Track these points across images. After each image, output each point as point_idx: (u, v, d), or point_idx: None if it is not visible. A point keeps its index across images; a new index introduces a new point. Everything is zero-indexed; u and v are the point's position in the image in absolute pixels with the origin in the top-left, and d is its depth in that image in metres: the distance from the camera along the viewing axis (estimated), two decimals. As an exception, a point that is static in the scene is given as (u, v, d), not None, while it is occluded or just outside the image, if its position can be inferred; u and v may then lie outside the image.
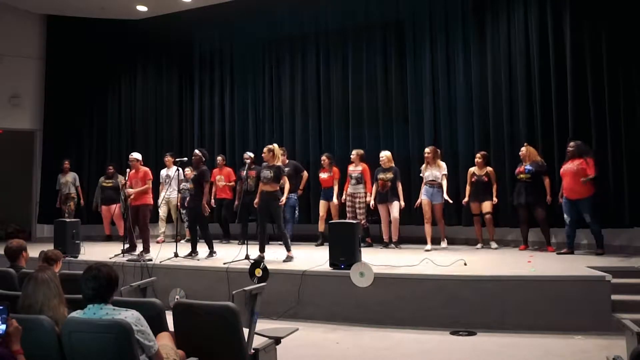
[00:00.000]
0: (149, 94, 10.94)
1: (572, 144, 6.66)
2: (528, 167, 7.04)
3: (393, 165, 7.88)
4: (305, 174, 8.66)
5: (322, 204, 8.45)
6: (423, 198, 7.56)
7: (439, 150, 7.76)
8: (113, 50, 10.82)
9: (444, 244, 7.66)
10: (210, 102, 10.54)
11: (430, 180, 7.56)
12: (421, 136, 8.60)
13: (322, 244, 8.15)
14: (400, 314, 5.30)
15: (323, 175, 8.45)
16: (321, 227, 8.37)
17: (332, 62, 9.45)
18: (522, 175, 7.13)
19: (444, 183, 7.53)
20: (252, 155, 8.27)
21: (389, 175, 7.72)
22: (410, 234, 8.16)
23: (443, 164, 7.61)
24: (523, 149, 7.23)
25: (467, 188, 7.69)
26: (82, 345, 2.55)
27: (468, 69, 8.31)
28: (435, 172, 7.52)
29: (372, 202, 7.77)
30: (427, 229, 7.58)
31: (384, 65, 9.00)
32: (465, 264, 5.89)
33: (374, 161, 8.05)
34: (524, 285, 5.16)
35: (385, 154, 7.89)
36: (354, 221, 6.45)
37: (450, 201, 7.55)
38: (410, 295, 5.34)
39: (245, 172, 8.21)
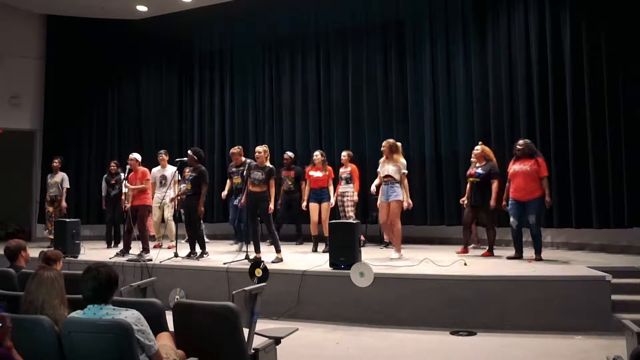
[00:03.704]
0: (149, 94, 10.95)
1: (521, 142, 6.35)
2: (479, 171, 6.72)
3: None
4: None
5: (313, 206, 7.76)
6: (381, 200, 6.68)
7: (398, 144, 6.80)
8: (113, 50, 10.83)
9: (395, 254, 6.55)
10: (210, 102, 10.55)
11: (384, 177, 6.64)
12: (421, 136, 8.62)
13: (317, 250, 7.62)
14: (400, 314, 5.30)
15: (315, 174, 7.77)
16: (314, 231, 7.75)
17: (332, 62, 9.46)
18: (472, 179, 6.80)
19: (405, 183, 6.62)
20: (292, 155, 8.32)
21: None
22: (410, 234, 8.16)
23: (403, 161, 6.66)
24: (478, 148, 6.87)
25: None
26: (82, 345, 2.55)
27: (468, 69, 8.31)
28: (392, 167, 6.58)
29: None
30: (389, 232, 6.83)
31: (384, 65, 9.00)
32: (465, 264, 5.89)
33: (375, 161, 8.01)
34: (524, 285, 5.16)
35: None
36: (354, 221, 6.42)
37: (407, 204, 6.67)
38: (410, 295, 5.34)
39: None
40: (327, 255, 5.96)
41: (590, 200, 6.90)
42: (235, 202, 7.51)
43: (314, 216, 7.75)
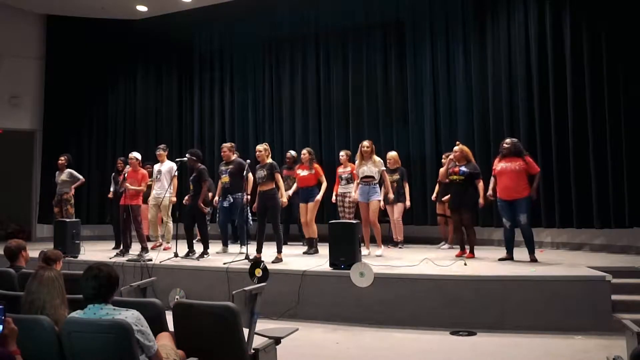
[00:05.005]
0: (149, 94, 10.97)
1: (508, 140, 6.26)
2: (463, 168, 6.53)
3: (399, 165, 7.87)
4: (250, 175, 7.37)
5: (302, 206, 7.47)
6: (359, 200, 6.87)
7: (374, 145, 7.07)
8: (113, 50, 10.84)
9: (378, 251, 6.83)
10: (210, 102, 10.57)
11: (365, 177, 6.79)
12: (421, 136, 8.63)
13: (311, 252, 7.28)
14: (400, 314, 5.30)
15: (302, 173, 7.53)
16: (306, 232, 7.53)
17: (332, 62, 9.48)
18: (454, 177, 6.58)
19: (387, 178, 6.95)
20: (294, 154, 8.23)
21: (395, 176, 7.68)
22: (410, 234, 8.16)
23: (380, 160, 6.93)
24: (456, 148, 6.69)
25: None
26: (82, 345, 2.55)
27: (468, 69, 8.32)
28: (372, 167, 6.78)
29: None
30: (367, 232, 6.94)
31: (384, 65, 9.01)
32: (465, 264, 5.89)
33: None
34: (524, 285, 5.16)
35: (391, 155, 7.85)
36: (354, 221, 6.42)
37: (390, 197, 7.16)
38: (410, 295, 5.34)
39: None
40: (327, 256, 5.95)
41: (591, 200, 6.90)
42: (225, 203, 7.35)
43: (302, 216, 7.53)
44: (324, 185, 7.45)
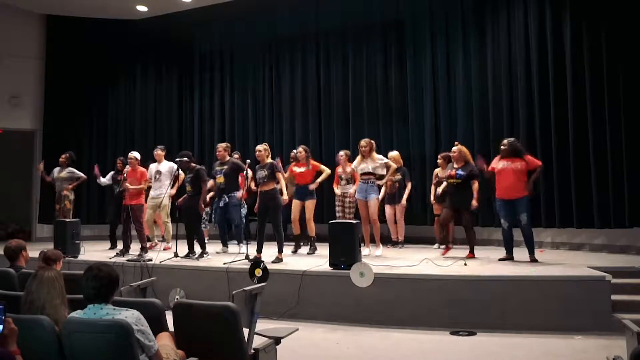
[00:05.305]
0: (149, 94, 10.98)
1: (505, 141, 6.27)
2: (460, 172, 6.51)
3: (401, 165, 7.86)
4: (250, 175, 7.31)
5: (296, 203, 7.34)
6: (358, 198, 6.85)
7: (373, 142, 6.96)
8: (113, 50, 10.85)
9: (377, 251, 6.89)
10: (210, 102, 10.58)
11: (363, 174, 6.78)
12: (421, 136, 8.63)
13: (296, 251, 7.37)
14: (400, 314, 5.30)
15: (298, 169, 7.35)
16: (296, 230, 7.44)
17: (332, 62, 9.49)
18: (452, 180, 6.59)
19: (393, 166, 6.94)
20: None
21: (397, 176, 7.68)
22: (410, 234, 8.16)
23: (380, 156, 6.88)
24: (455, 149, 6.69)
25: (433, 188, 7.69)
26: (82, 345, 2.55)
27: (468, 69, 8.33)
28: (370, 165, 6.74)
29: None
30: (367, 230, 6.89)
31: (384, 65, 9.02)
32: (465, 264, 5.89)
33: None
34: (524, 285, 5.16)
35: (392, 155, 7.84)
36: (354, 221, 6.41)
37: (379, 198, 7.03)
38: (410, 295, 5.34)
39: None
40: (327, 256, 5.96)
41: (591, 200, 6.90)
42: (221, 203, 7.33)
43: (294, 214, 7.37)
44: (327, 172, 7.35)
